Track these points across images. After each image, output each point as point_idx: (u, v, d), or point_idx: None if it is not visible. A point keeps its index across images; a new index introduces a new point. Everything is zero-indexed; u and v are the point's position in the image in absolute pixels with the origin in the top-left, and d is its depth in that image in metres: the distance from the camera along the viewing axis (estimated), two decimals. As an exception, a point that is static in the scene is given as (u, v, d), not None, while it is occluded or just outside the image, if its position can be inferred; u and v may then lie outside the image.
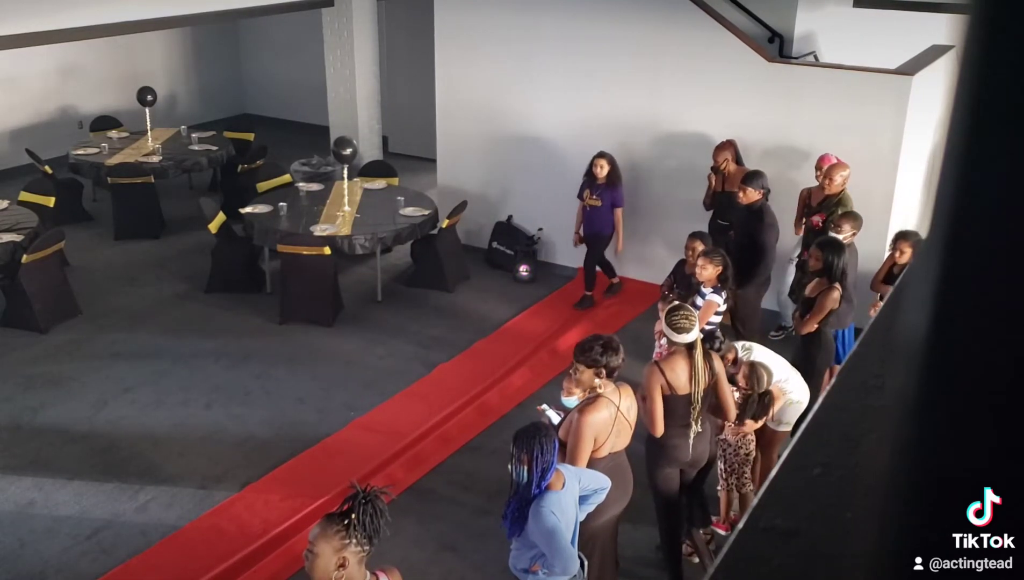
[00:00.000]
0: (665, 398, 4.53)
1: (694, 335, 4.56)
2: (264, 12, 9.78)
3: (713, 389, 4.65)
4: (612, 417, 4.24)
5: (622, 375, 4.45)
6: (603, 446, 4.24)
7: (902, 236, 6.24)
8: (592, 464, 4.22)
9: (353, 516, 2.97)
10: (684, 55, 7.98)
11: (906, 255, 6.09)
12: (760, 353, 5.22)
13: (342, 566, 2.95)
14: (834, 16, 10.35)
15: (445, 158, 9.61)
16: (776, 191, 7.17)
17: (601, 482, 4.09)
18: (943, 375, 0.54)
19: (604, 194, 7.84)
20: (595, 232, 8.03)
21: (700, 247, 6.23)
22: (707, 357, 4.63)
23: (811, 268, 5.99)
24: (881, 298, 6.39)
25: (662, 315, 5.62)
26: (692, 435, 4.63)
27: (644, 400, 4.64)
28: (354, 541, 2.96)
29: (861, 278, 6.74)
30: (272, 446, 6.29)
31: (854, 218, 6.43)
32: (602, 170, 7.78)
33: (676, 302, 4.91)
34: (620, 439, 4.33)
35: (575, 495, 3.89)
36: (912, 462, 0.56)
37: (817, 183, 7.10)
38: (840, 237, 6.24)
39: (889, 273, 6.36)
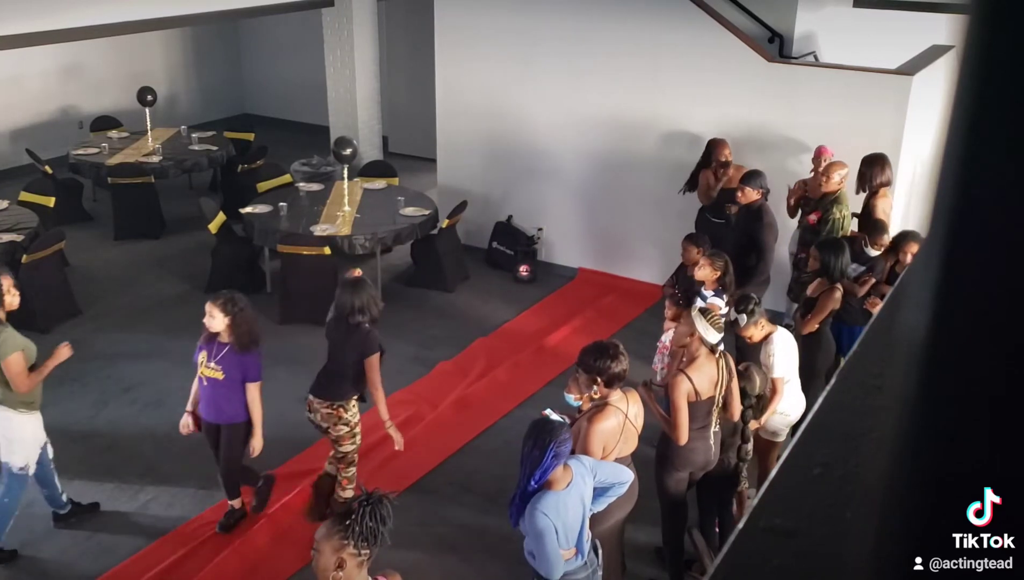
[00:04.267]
0: (689, 404, 4.54)
1: (721, 336, 4.61)
2: (264, 12, 9.78)
3: (726, 388, 4.67)
4: (620, 424, 4.25)
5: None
6: (611, 454, 4.25)
7: (905, 237, 6.22)
8: None
9: (353, 518, 2.99)
10: (684, 55, 7.98)
11: (909, 256, 6.08)
12: (784, 336, 5.20)
13: (340, 567, 2.98)
14: (834, 16, 10.35)
15: (445, 158, 9.62)
16: (776, 191, 7.18)
17: (621, 475, 4.06)
18: (943, 375, 0.54)
19: (229, 361, 5.04)
20: (222, 419, 5.20)
21: (694, 250, 6.24)
22: (723, 356, 4.67)
23: (809, 268, 5.99)
24: (881, 298, 6.39)
25: (668, 314, 5.62)
26: (712, 436, 4.65)
27: (662, 405, 4.65)
28: (352, 543, 2.97)
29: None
30: (272, 446, 6.27)
31: (885, 230, 6.39)
32: (214, 320, 5.01)
33: (703, 305, 4.92)
34: (627, 445, 4.34)
35: (584, 492, 3.86)
36: (912, 462, 0.56)
37: (812, 175, 7.13)
38: (876, 252, 6.23)
39: (892, 273, 6.35)
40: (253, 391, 5.11)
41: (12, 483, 5.13)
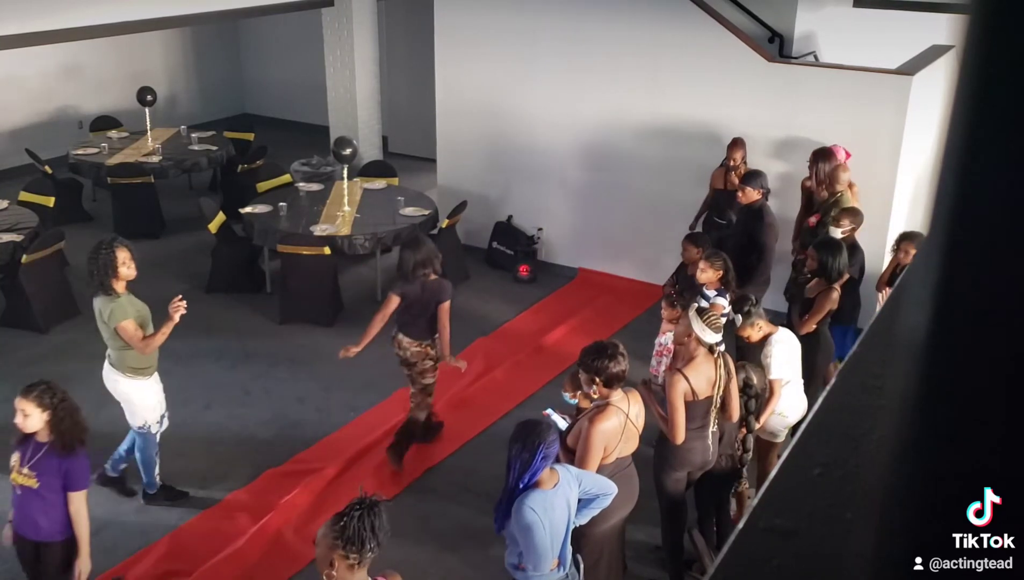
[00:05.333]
0: (687, 404, 4.54)
1: (721, 336, 4.60)
2: (264, 12, 9.78)
3: (724, 389, 4.66)
4: (621, 425, 4.24)
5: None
6: (612, 453, 4.25)
7: (907, 237, 6.23)
8: (599, 470, 4.21)
9: (345, 520, 3.02)
10: (684, 55, 7.98)
11: (911, 256, 6.08)
12: (785, 338, 5.18)
13: (331, 565, 3.02)
14: (834, 16, 10.35)
15: (445, 158, 9.61)
16: (776, 191, 7.18)
17: (605, 487, 4.06)
18: (943, 375, 0.54)
19: (47, 465, 4.16)
20: (40, 536, 4.27)
21: (694, 249, 6.25)
22: (723, 357, 4.66)
23: (807, 269, 5.99)
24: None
25: (666, 312, 5.62)
26: (710, 436, 4.65)
27: (661, 405, 4.64)
28: (341, 545, 3.00)
29: (866, 278, 6.75)
30: (272, 446, 6.29)
31: (853, 214, 6.42)
32: (28, 418, 4.13)
33: (703, 305, 4.91)
34: (628, 445, 4.34)
35: (569, 496, 3.87)
36: (912, 462, 0.56)
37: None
38: (839, 232, 6.24)
39: (893, 274, 6.35)
40: (77, 502, 4.20)
41: (139, 439, 5.53)
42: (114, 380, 5.40)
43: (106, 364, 5.45)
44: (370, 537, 2.99)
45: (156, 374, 5.49)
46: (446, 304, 5.67)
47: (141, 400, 5.41)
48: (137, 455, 5.58)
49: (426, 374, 5.90)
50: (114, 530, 5.48)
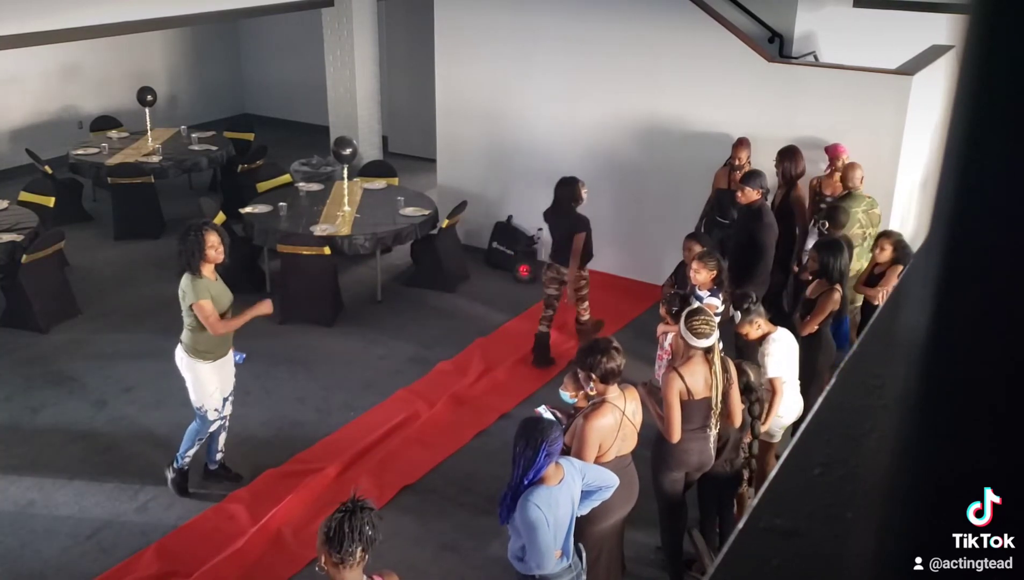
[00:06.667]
0: (682, 403, 4.53)
1: (713, 340, 4.55)
2: (264, 12, 9.78)
3: (724, 394, 4.65)
4: (617, 422, 4.25)
5: (623, 374, 4.44)
6: (609, 451, 4.26)
7: (883, 235, 6.27)
8: None
9: (328, 522, 3.08)
10: (684, 55, 7.98)
11: (886, 252, 6.11)
12: (784, 338, 5.17)
13: (323, 561, 3.12)
14: (834, 16, 10.35)
15: (445, 158, 9.61)
16: (775, 190, 7.18)
17: (608, 480, 4.09)
18: (943, 375, 0.54)
19: None
20: None
21: (697, 248, 6.24)
22: (723, 360, 4.64)
23: (809, 269, 5.99)
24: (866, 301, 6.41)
25: (665, 316, 5.61)
26: (712, 438, 4.64)
27: (659, 404, 4.64)
28: (325, 543, 3.07)
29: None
30: (272, 446, 6.29)
31: (831, 217, 6.37)
32: None
33: (696, 306, 4.88)
34: (626, 443, 4.34)
35: (573, 491, 3.90)
36: (912, 462, 0.56)
37: (826, 173, 7.16)
38: (816, 231, 6.26)
39: (870, 274, 6.35)
40: None
41: (197, 419, 5.69)
42: (180, 357, 5.58)
43: (179, 343, 5.64)
44: (351, 540, 3.04)
45: (222, 362, 5.59)
46: (580, 234, 6.67)
47: (200, 383, 5.57)
48: (190, 428, 5.71)
49: (580, 288, 7.03)
50: (114, 530, 5.49)
